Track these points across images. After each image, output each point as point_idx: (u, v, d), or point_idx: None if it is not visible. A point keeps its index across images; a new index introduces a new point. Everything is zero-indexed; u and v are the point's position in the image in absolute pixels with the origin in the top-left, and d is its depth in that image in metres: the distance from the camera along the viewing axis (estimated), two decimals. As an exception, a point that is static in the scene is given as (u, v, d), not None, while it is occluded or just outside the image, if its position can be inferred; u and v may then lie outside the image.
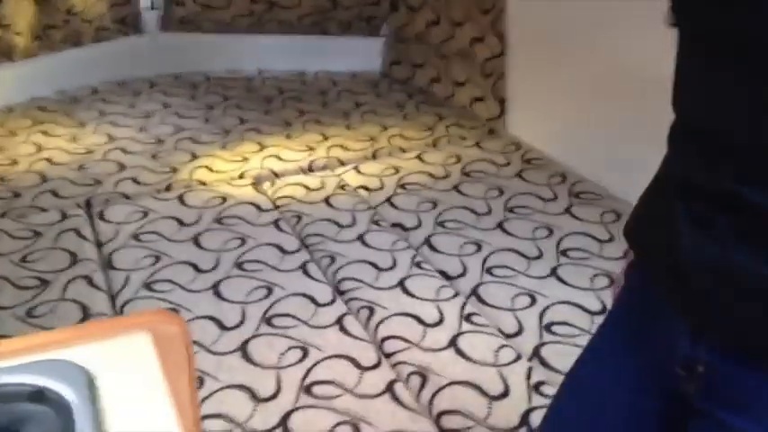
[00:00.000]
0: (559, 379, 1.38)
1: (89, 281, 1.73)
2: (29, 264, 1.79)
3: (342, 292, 1.75)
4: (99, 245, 1.91)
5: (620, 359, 0.82)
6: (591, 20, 2.25)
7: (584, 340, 1.54)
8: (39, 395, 0.69)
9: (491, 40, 2.71)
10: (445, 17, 2.93)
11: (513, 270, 1.82)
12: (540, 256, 1.87)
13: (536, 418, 1.32)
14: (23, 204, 2.09)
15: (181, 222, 2.03)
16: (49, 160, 2.37)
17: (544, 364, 1.49)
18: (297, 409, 1.37)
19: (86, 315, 1.60)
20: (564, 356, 1.49)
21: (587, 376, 0.87)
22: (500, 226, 2.03)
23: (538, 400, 1.37)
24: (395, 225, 2.06)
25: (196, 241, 1.94)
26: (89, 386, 0.71)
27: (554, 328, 1.60)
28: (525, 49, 2.59)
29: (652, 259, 0.78)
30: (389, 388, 1.41)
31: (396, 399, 1.39)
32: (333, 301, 1.71)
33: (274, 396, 1.40)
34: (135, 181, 2.26)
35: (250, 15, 3.13)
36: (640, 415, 0.81)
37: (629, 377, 0.81)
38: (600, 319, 1.59)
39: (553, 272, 1.81)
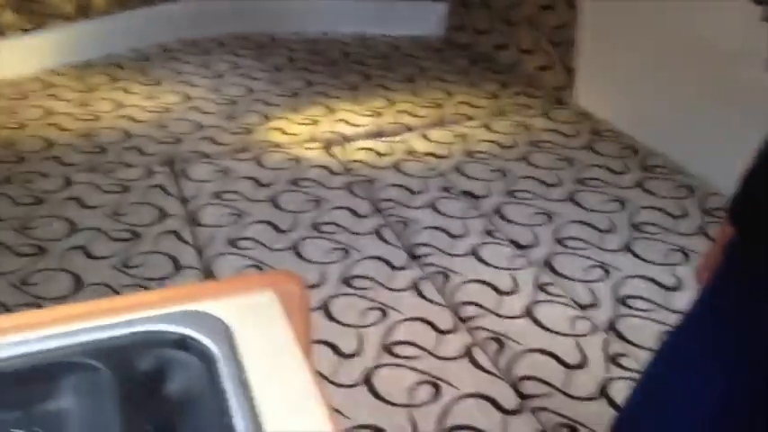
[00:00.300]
0: (636, 352, 1.44)
1: (177, 235, 1.82)
2: (121, 217, 1.88)
3: (416, 257, 1.81)
4: (183, 201, 2.00)
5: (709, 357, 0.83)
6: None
7: (659, 315, 1.58)
8: (183, 343, 0.76)
9: (561, 7, 2.69)
10: (515, -16, 2.92)
11: (586, 242, 1.85)
12: (612, 230, 1.90)
13: (614, 390, 1.37)
14: (110, 160, 2.19)
15: (258, 183, 2.11)
16: (130, 117, 2.46)
17: (620, 336, 1.54)
18: (379, 366, 1.44)
19: (177, 267, 1.70)
20: (640, 330, 1.53)
21: (672, 380, 0.88)
22: (571, 198, 2.06)
23: (616, 372, 1.42)
24: (465, 193, 2.10)
25: (274, 202, 2.02)
26: (228, 337, 0.78)
27: (629, 302, 1.64)
28: (596, 18, 2.57)
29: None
30: (467, 352, 1.48)
31: (474, 362, 1.45)
32: (408, 265, 1.77)
33: (357, 353, 1.48)
34: (213, 141, 2.34)
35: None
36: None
37: (719, 377, 0.82)
38: (675, 295, 1.63)
39: (626, 246, 1.83)
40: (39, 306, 1.55)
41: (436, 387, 1.39)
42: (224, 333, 0.78)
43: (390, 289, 1.68)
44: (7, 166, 2.11)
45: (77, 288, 1.62)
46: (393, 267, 1.76)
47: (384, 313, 1.60)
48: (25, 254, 1.71)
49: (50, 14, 2.65)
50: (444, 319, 1.58)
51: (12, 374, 0.70)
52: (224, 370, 0.73)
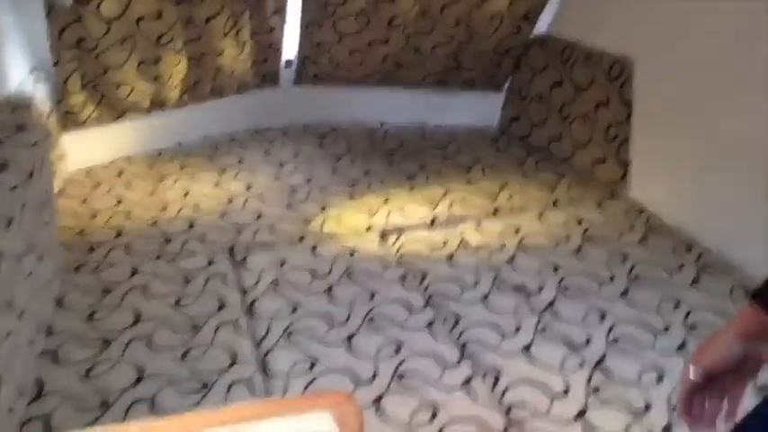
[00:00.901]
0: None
1: (235, 327, 1.88)
2: (182, 307, 1.96)
3: (467, 355, 1.83)
4: (242, 291, 2.07)
5: None
6: (718, 89, 2.26)
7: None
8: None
9: (616, 105, 2.74)
10: (569, 80, 2.98)
11: (639, 343, 1.84)
12: (666, 330, 1.88)
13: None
14: (174, 249, 2.29)
15: (314, 274, 2.17)
16: (195, 206, 2.58)
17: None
18: (429, 470, 1.45)
19: (234, 361, 1.75)
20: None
21: None
22: (624, 295, 2.05)
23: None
24: (517, 288, 2.12)
25: (329, 293, 2.07)
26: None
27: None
28: (651, 115, 2.61)
29: None
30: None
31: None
32: (459, 362, 1.79)
33: (408, 455, 1.49)
34: (271, 230, 2.43)
35: (378, 74, 3.29)
36: None
37: None
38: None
39: (681, 347, 1.81)
40: (102, 398, 1.61)
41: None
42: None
43: (441, 388, 1.70)
44: (79, 255, 2.23)
45: (139, 380, 1.68)
46: (444, 365, 1.78)
47: (434, 414, 1.61)
48: (91, 344, 1.79)
49: (128, 108, 2.83)
50: (495, 420, 1.58)
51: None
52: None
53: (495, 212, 2.62)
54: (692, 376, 0.95)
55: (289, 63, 3.24)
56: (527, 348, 1.82)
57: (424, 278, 2.17)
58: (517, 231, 2.44)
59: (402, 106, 3.45)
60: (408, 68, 3.28)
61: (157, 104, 2.92)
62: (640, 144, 2.65)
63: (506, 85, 3.43)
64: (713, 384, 0.96)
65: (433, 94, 3.46)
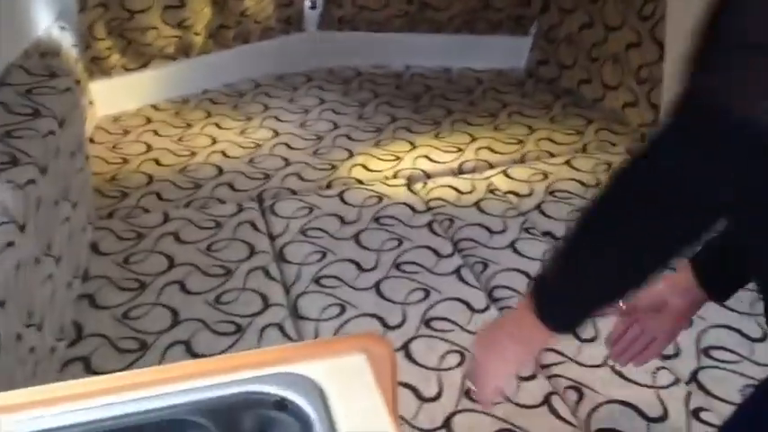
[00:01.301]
0: (719, 407, 1.42)
1: (266, 272, 1.91)
2: (213, 253, 1.99)
3: (495, 300, 1.84)
4: (271, 237, 2.10)
5: None
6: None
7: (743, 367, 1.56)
8: (282, 404, 0.83)
9: (648, 46, 2.67)
10: (599, 21, 2.91)
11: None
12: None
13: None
14: (204, 195, 2.31)
15: (342, 220, 2.18)
16: (223, 153, 2.60)
17: (703, 389, 1.52)
18: (458, 411, 1.48)
19: (266, 305, 1.78)
20: (723, 382, 1.51)
21: None
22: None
23: (698, 428, 1.41)
24: (546, 234, 2.12)
25: (357, 239, 2.09)
26: (321, 399, 0.84)
27: (712, 353, 1.62)
28: (684, 56, 2.54)
29: None
30: (546, 400, 1.50)
31: (553, 411, 1.47)
32: (487, 308, 1.81)
33: (437, 397, 1.52)
34: (299, 177, 2.44)
35: (403, 16, 3.24)
36: None
37: None
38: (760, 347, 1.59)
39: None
40: (140, 340, 1.66)
41: (514, 435, 1.42)
42: (318, 395, 0.85)
43: (470, 332, 1.72)
44: (112, 200, 2.26)
45: (175, 323, 1.72)
46: (473, 310, 1.80)
47: (463, 357, 1.64)
48: (127, 288, 1.84)
49: (153, 55, 2.82)
50: (525, 369, 1.60)
51: (134, 429, 0.78)
52: (319, 430, 0.79)
53: (523, 158, 2.60)
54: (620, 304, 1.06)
55: (313, 4, 3.20)
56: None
57: (451, 224, 2.17)
58: (546, 177, 2.42)
59: (428, 50, 3.40)
60: (434, 10, 3.22)
61: (182, 51, 2.91)
62: (673, 86, 2.60)
63: (534, 27, 3.35)
64: (635, 321, 1.06)
65: (459, 38, 3.40)
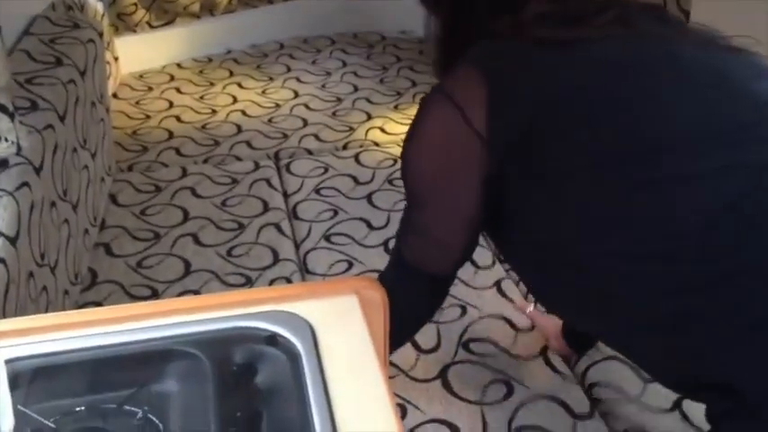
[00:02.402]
0: None
1: (278, 228, 1.95)
2: (228, 208, 2.03)
3: (501, 260, 1.86)
4: (286, 195, 2.13)
5: None
6: None
7: None
8: (272, 340, 0.86)
9: (674, 14, 2.62)
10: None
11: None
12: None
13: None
14: (222, 152, 2.35)
15: (356, 180, 2.21)
16: (243, 112, 2.62)
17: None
18: (455, 363, 1.51)
19: (276, 259, 1.82)
20: None
21: None
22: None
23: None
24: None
25: (369, 199, 2.11)
26: (312, 336, 0.87)
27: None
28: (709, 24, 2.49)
29: None
30: (542, 352, 1.52)
31: (548, 363, 1.49)
32: (492, 265, 1.82)
33: (435, 349, 1.55)
34: (317, 137, 2.46)
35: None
36: None
37: None
38: None
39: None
40: (151, 288, 1.71)
41: (509, 386, 1.44)
42: (309, 333, 0.88)
43: (472, 287, 1.74)
44: (132, 154, 2.31)
45: (186, 273, 1.77)
46: (477, 267, 1.82)
47: (464, 310, 1.66)
48: (142, 238, 1.89)
49: (178, 12, 2.85)
50: (522, 318, 1.63)
51: (128, 357, 0.82)
52: (306, 367, 0.82)
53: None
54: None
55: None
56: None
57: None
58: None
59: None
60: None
61: (207, 9, 2.93)
62: None
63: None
64: None
65: (485, 5, 3.36)
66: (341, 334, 0.89)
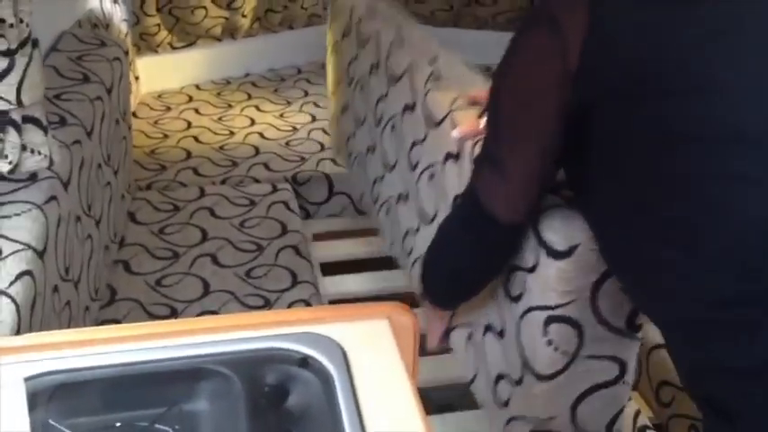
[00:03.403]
0: None
1: (296, 250, 1.94)
2: (246, 229, 2.03)
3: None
4: (304, 217, 2.13)
5: None
6: None
7: None
8: (305, 362, 0.85)
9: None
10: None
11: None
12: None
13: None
14: (240, 174, 2.35)
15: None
16: (260, 134, 2.64)
17: None
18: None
19: (295, 282, 1.81)
20: None
21: None
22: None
23: None
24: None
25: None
26: (343, 359, 0.86)
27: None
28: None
29: None
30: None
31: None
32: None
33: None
34: (334, 162, 2.46)
35: (449, 10, 3.25)
36: None
37: None
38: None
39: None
40: (171, 307, 1.70)
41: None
42: (341, 356, 0.87)
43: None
44: (150, 173, 2.31)
45: (205, 293, 1.76)
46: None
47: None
48: (161, 257, 1.88)
49: (200, 35, 2.88)
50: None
51: (159, 375, 0.81)
52: (339, 390, 0.81)
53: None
54: None
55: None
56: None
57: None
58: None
59: (470, 47, 3.39)
60: (480, 6, 3.23)
61: (228, 32, 2.96)
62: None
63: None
64: None
65: (502, 36, 3.38)
66: (373, 357, 0.88)
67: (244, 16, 2.92)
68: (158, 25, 2.77)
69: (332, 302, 1.99)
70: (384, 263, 2.21)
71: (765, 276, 0.83)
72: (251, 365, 0.84)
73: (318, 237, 2.30)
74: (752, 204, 0.83)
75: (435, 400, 1.73)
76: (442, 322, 1.35)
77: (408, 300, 2.02)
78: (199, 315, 1.68)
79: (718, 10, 0.84)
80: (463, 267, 1.18)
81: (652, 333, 1.68)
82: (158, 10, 2.72)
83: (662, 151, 0.87)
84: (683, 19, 0.84)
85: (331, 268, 2.17)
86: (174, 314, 1.68)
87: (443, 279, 1.23)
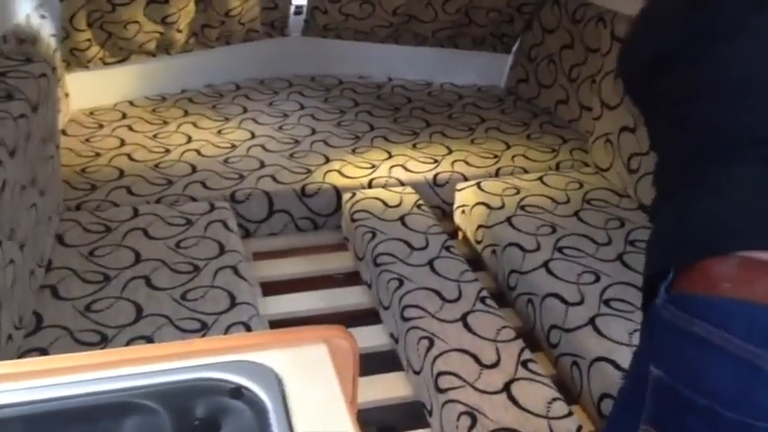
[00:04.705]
0: None
1: (235, 270, 1.90)
2: (182, 250, 1.97)
3: (463, 309, 1.85)
4: (243, 237, 2.08)
5: None
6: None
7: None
8: (237, 392, 0.82)
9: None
10: (580, 41, 2.95)
11: (632, 305, 1.85)
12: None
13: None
14: (176, 192, 2.29)
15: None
16: (197, 151, 2.58)
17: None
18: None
19: (233, 303, 1.76)
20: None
21: None
22: (620, 258, 2.06)
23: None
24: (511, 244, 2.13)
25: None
26: (279, 388, 0.83)
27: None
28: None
29: None
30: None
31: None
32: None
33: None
34: (274, 179, 2.43)
35: (388, 26, 3.26)
36: None
37: None
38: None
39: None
40: (101, 333, 1.63)
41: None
42: (276, 385, 0.83)
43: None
44: (80, 193, 2.23)
45: (138, 317, 1.70)
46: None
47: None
48: (91, 281, 1.81)
49: (133, 50, 2.80)
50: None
51: (83, 411, 0.76)
52: (274, 421, 0.78)
53: (497, 173, 2.61)
54: None
55: (299, 9, 3.21)
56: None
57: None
58: (518, 192, 2.44)
59: (410, 63, 3.42)
60: (419, 22, 3.25)
61: (163, 48, 2.90)
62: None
63: (515, 46, 3.39)
64: None
65: (441, 52, 3.42)
66: (310, 385, 0.86)
67: (179, 31, 2.86)
68: (89, 40, 2.69)
69: (274, 323, 1.96)
70: (328, 281, 2.19)
71: None
72: (180, 398, 0.80)
73: (259, 256, 2.27)
74: None
75: (380, 420, 1.71)
76: None
77: (355, 316, 2.03)
78: (131, 341, 1.62)
79: None
80: None
81: (593, 346, 1.70)
82: (89, 25, 2.64)
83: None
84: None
85: (274, 287, 2.13)
86: (104, 341, 1.61)
87: None
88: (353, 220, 2.21)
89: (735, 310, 0.85)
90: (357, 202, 2.29)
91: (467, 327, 1.77)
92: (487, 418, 1.49)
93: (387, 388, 1.78)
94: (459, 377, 1.60)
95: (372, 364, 1.71)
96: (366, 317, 2.04)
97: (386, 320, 1.95)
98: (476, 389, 1.58)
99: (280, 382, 0.84)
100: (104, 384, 0.79)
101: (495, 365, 1.65)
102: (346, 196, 2.34)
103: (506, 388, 1.58)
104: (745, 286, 0.86)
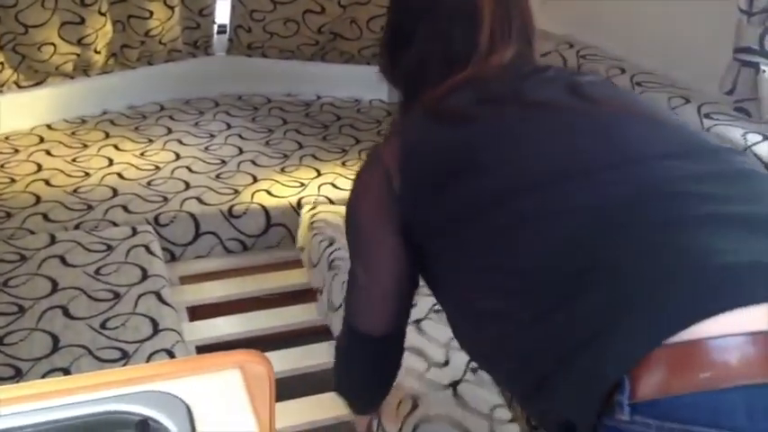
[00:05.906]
0: None
1: (158, 296, 1.84)
2: (102, 276, 1.90)
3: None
4: (167, 261, 2.03)
5: None
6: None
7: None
8: (144, 425, 0.79)
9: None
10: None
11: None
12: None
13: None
14: (96, 217, 2.22)
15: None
16: (119, 175, 2.50)
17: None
18: None
19: (156, 330, 1.71)
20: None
21: None
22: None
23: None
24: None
25: (256, 264, 2.04)
26: (188, 418, 0.80)
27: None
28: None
29: None
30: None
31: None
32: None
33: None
34: (199, 200, 2.38)
35: (314, 44, 3.25)
36: None
37: None
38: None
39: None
40: (14, 367, 1.56)
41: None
42: (185, 415, 0.80)
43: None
44: (-6, 221, 2.14)
45: (54, 349, 1.63)
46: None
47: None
48: (5, 312, 1.72)
49: (50, 72, 2.72)
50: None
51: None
52: (182, 451, 0.75)
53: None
54: None
55: (222, 28, 3.17)
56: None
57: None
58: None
59: (338, 80, 3.42)
60: (345, 40, 3.25)
61: (81, 69, 2.81)
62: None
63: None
64: None
65: (369, 69, 3.43)
66: (222, 414, 0.83)
67: (97, 52, 2.78)
68: (2, 63, 2.59)
69: (202, 348, 1.91)
70: (257, 303, 2.15)
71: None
72: (85, 432, 0.77)
73: (186, 279, 2.21)
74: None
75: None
76: (364, 420, 1.48)
77: (284, 338, 1.99)
78: (47, 373, 1.55)
79: (486, 124, 1.03)
80: (356, 379, 1.27)
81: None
82: (1, 48, 2.55)
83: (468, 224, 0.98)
84: (464, 132, 1.03)
85: (202, 311, 2.08)
86: (18, 375, 1.54)
87: (346, 390, 1.32)
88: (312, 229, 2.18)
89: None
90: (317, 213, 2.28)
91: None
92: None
93: (312, 409, 1.74)
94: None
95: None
96: (314, 334, 2.00)
97: (335, 329, 1.90)
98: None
99: (189, 412, 0.81)
100: (7, 421, 0.75)
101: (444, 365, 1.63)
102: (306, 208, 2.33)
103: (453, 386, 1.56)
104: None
